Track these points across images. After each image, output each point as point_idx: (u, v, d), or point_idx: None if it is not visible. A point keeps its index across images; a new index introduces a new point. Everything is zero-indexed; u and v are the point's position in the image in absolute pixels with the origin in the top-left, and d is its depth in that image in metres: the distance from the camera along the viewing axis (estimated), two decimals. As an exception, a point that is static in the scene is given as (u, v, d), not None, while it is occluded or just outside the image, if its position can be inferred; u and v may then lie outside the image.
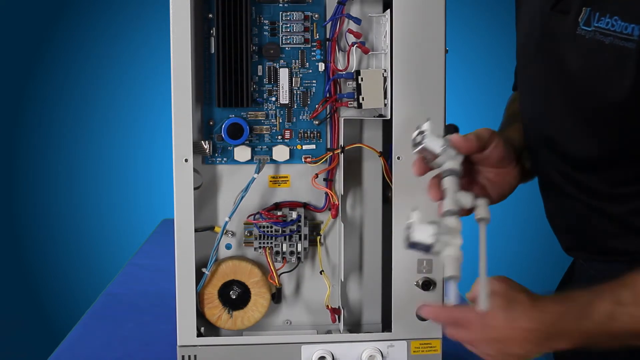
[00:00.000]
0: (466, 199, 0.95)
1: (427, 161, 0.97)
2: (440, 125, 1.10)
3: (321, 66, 1.17)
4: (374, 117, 1.18)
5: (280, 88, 1.17)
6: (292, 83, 1.17)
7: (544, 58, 1.01)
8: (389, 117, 1.13)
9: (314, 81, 1.18)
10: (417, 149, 0.96)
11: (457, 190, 0.94)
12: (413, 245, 0.90)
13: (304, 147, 1.19)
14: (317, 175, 1.17)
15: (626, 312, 0.91)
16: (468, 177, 1.00)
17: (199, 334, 1.16)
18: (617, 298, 0.92)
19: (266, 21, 1.17)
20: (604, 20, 0.90)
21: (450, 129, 1.00)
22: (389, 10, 1.12)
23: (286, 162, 1.18)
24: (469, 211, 0.96)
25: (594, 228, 1.04)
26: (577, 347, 0.96)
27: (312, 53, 1.17)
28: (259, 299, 1.18)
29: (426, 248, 0.90)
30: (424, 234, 0.89)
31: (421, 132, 0.95)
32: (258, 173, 1.15)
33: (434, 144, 0.95)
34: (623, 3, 0.88)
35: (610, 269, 1.01)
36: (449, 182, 0.94)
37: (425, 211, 0.92)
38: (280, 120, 1.18)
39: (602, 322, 0.92)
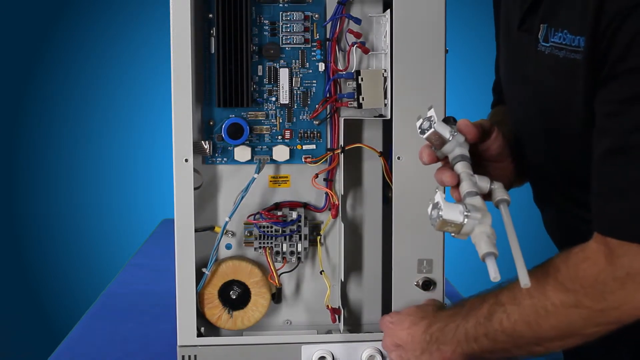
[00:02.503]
0: (483, 183, 0.93)
1: (433, 149, 0.96)
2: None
3: (321, 66, 1.17)
4: (374, 117, 1.18)
5: (281, 88, 1.17)
6: (292, 83, 1.17)
7: (519, 78, 1.02)
8: (389, 117, 1.13)
9: (314, 81, 1.18)
10: (427, 134, 0.93)
11: (473, 174, 0.92)
12: (444, 224, 0.86)
13: (304, 147, 1.19)
14: (317, 175, 1.17)
15: (502, 310, 0.93)
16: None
17: (199, 334, 1.16)
18: (497, 299, 0.95)
19: (266, 21, 1.17)
20: (557, 35, 0.91)
21: (450, 120, 0.99)
22: (389, 10, 1.12)
23: (286, 162, 1.18)
24: (484, 197, 0.95)
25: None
26: (465, 354, 0.98)
27: (312, 53, 1.17)
28: (259, 299, 1.18)
29: (456, 227, 0.86)
30: (454, 212, 0.86)
31: (428, 118, 0.94)
32: (258, 173, 1.15)
33: (443, 129, 0.94)
34: (570, 16, 0.89)
35: None
36: (462, 167, 0.93)
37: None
38: (281, 120, 1.18)
39: (481, 322, 0.95)
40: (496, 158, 1.02)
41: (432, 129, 0.93)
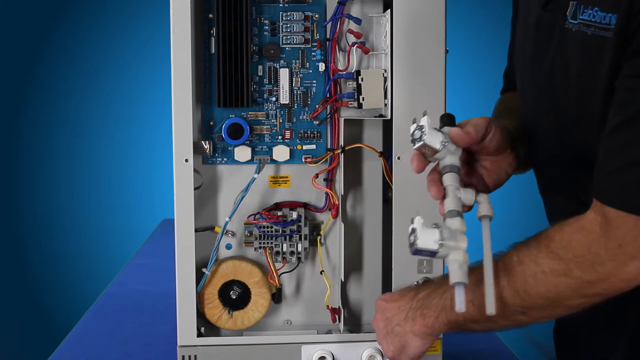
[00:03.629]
0: (468, 196, 0.93)
1: (425, 156, 0.96)
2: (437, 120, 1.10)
3: (321, 66, 1.17)
4: (374, 117, 1.18)
5: (281, 88, 1.17)
6: (292, 83, 1.17)
7: (537, 60, 1.02)
8: (389, 117, 1.13)
9: (314, 81, 1.18)
10: (416, 145, 0.93)
11: (459, 187, 0.93)
12: (418, 252, 0.89)
13: (304, 147, 1.19)
14: (317, 175, 1.17)
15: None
16: (465, 167, 1.00)
17: (199, 334, 1.16)
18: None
19: (266, 21, 1.17)
20: (587, 12, 0.90)
21: (446, 118, 0.97)
22: (389, 10, 1.12)
23: (286, 162, 1.18)
24: (469, 207, 0.96)
25: None
26: (450, 323, 0.97)
27: (313, 53, 1.17)
28: (259, 299, 1.18)
29: (431, 254, 0.89)
30: (428, 240, 0.88)
31: (420, 127, 0.93)
32: (258, 173, 1.15)
33: (434, 139, 0.93)
34: None
35: None
36: (449, 179, 0.93)
37: (427, 211, 0.93)
38: (281, 120, 1.18)
39: (469, 288, 0.92)
40: (494, 153, 1.02)
41: (422, 142, 0.93)
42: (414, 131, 0.94)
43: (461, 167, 0.96)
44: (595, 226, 0.86)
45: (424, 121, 0.93)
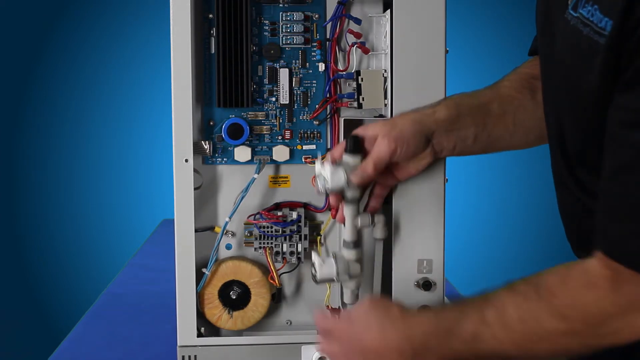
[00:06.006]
0: (365, 220, 1.07)
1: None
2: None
3: (321, 66, 1.17)
4: (374, 117, 1.18)
5: (281, 88, 1.17)
6: (292, 83, 1.17)
7: (544, 38, 0.98)
8: (389, 117, 1.13)
9: (314, 81, 1.18)
10: (322, 190, 1.04)
11: (356, 216, 1.05)
12: (322, 281, 1.06)
13: (304, 147, 1.19)
14: (317, 176, 1.17)
15: (490, 333, 0.88)
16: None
17: (199, 334, 1.16)
18: (482, 317, 0.89)
19: (266, 21, 1.17)
20: (586, 8, 0.82)
21: (350, 145, 1.03)
22: (389, 10, 1.12)
23: (286, 162, 1.18)
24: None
25: (591, 229, 1.02)
26: None
27: (313, 53, 1.17)
28: (259, 299, 1.18)
29: (332, 280, 1.06)
30: (328, 270, 1.05)
31: (321, 176, 1.03)
32: (258, 173, 1.16)
33: (336, 184, 1.02)
34: None
35: None
36: (348, 211, 1.05)
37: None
38: (281, 121, 1.18)
39: (469, 341, 0.89)
40: (409, 159, 1.07)
41: (328, 187, 1.02)
42: (318, 177, 1.04)
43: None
44: (605, 282, 0.82)
45: (324, 172, 1.03)
